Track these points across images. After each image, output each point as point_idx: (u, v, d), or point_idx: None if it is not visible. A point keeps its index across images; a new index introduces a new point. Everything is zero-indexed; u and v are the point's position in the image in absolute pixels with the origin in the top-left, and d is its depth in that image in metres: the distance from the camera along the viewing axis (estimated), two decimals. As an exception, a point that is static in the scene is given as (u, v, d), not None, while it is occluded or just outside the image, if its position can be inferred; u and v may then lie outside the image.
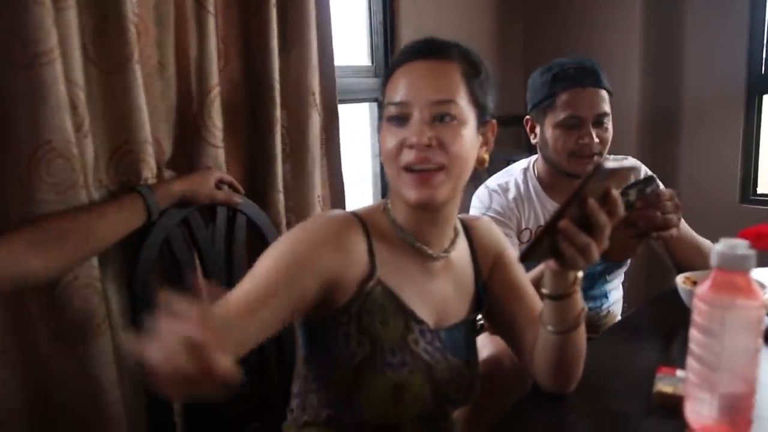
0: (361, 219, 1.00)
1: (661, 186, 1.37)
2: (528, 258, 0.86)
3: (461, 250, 1.07)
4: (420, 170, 0.92)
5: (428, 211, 0.98)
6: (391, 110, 0.96)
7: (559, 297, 0.92)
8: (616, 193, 0.87)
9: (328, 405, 1.01)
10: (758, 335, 0.83)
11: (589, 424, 0.97)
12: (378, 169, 2.20)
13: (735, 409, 0.85)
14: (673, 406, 0.93)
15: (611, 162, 0.86)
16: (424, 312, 1.01)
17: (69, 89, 1.12)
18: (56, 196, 1.12)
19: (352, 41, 2.13)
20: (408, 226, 1.01)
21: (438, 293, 1.04)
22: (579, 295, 0.94)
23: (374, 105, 2.17)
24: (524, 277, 1.10)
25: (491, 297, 1.09)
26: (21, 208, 1.11)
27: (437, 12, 2.21)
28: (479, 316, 1.14)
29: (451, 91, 0.94)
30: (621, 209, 0.88)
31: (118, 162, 1.24)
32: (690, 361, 0.88)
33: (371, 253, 0.98)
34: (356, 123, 2.17)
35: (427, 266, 1.02)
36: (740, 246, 0.82)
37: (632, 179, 1.25)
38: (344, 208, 1.73)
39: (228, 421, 1.36)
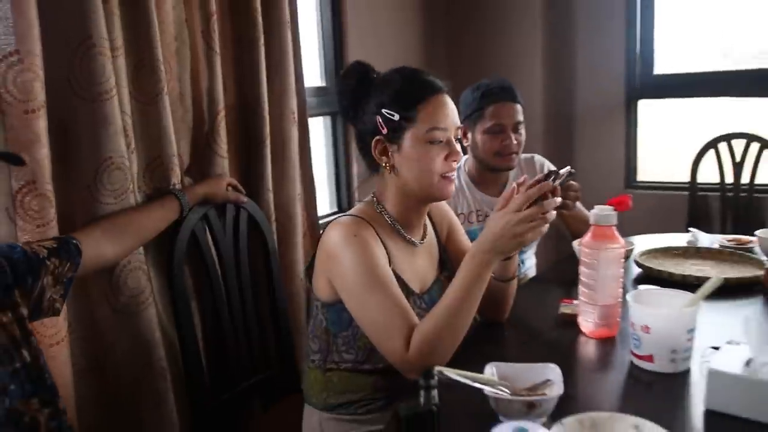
0: (364, 219, 1.29)
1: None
2: None
3: (431, 227, 1.44)
4: (451, 177, 1.29)
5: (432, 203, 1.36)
6: (438, 134, 1.25)
7: (507, 258, 1.33)
8: (558, 189, 1.21)
9: (351, 359, 1.32)
10: (620, 266, 1.30)
11: (518, 336, 1.43)
12: (333, 173, 2.58)
13: (609, 315, 1.32)
14: (571, 321, 1.39)
15: (563, 170, 1.22)
16: (415, 284, 1.35)
17: (122, 118, 1.45)
18: (114, 199, 1.44)
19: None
20: (400, 219, 1.34)
21: (420, 266, 1.39)
22: (517, 257, 1.38)
23: (328, 118, 2.56)
24: (468, 241, 1.52)
25: (449, 257, 1.46)
26: (87, 209, 1.42)
27: (377, 39, 2.62)
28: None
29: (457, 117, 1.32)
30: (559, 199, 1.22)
31: (152, 172, 1.58)
32: (580, 288, 1.34)
33: (384, 246, 1.28)
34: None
35: (412, 249, 1.37)
36: (606, 209, 1.30)
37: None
38: (316, 206, 2.11)
39: (240, 371, 1.72)
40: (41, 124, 1.29)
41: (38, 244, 1.20)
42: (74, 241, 1.27)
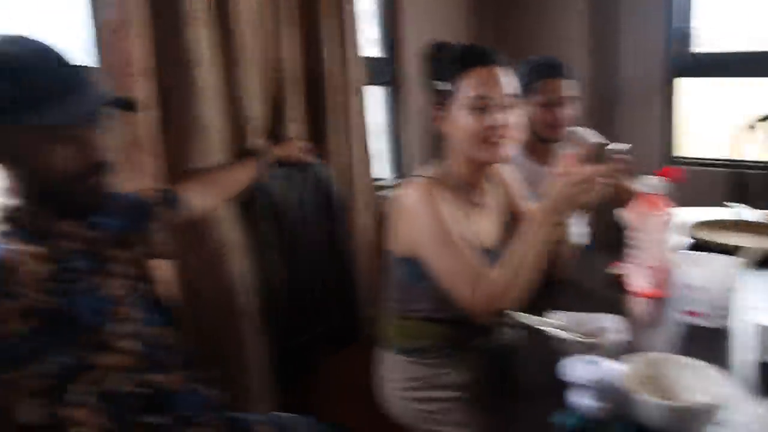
0: (434, 180, 1.41)
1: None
2: None
3: (494, 190, 1.55)
4: (495, 141, 1.38)
5: (488, 167, 1.47)
6: (479, 101, 1.34)
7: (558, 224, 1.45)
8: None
9: (429, 307, 1.44)
10: (666, 230, 1.42)
11: (573, 294, 1.55)
12: (388, 140, 2.70)
13: (657, 276, 1.44)
14: (621, 282, 1.51)
15: (612, 145, 1.34)
16: (478, 242, 1.43)
17: (212, 84, 1.59)
18: (203, 158, 1.59)
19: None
20: (463, 180, 1.46)
21: (483, 225, 1.49)
22: (565, 225, 1.50)
23: (383, 88, 2.67)
24: (527, 203, 1.61)
25: (512, 218, 1.56)
26: (181, 166, 1.57)
27: (429, 17, 2.69)
28: None
29: (513, 88, 1.40)
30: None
31: (235, 135, 1.72)
32: (630, 251, 1.46)
33: (451, 205, 1.39)
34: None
35: (476, 209, 1.48)
36: (654, 179, 1.41)
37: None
38: (370, 169, 2.23)
39: (311, 319, 1.88)
40: (146, 87, 1.43)
41: (146, 193, 1.35)
42: (173, 193, 1.42)
